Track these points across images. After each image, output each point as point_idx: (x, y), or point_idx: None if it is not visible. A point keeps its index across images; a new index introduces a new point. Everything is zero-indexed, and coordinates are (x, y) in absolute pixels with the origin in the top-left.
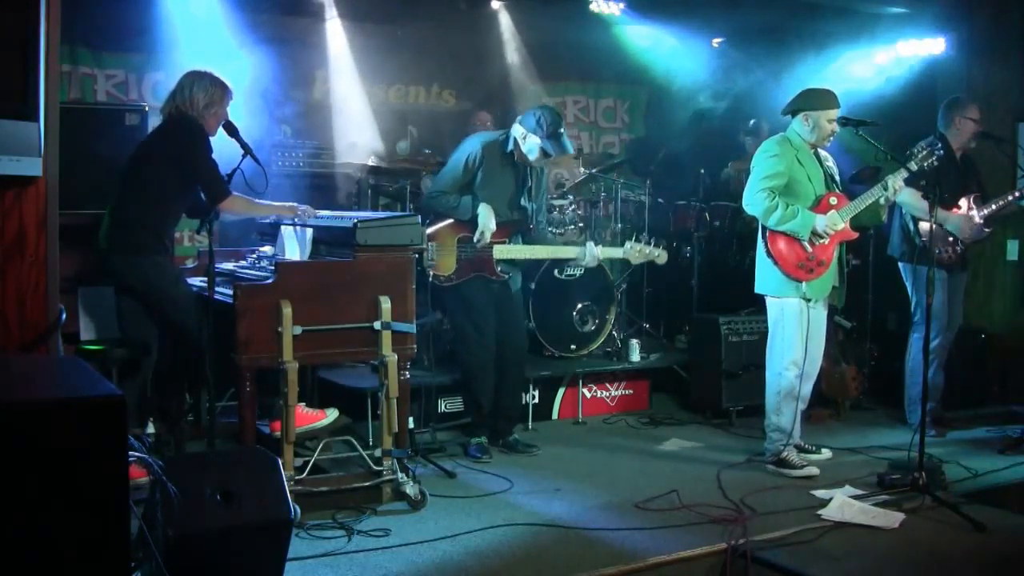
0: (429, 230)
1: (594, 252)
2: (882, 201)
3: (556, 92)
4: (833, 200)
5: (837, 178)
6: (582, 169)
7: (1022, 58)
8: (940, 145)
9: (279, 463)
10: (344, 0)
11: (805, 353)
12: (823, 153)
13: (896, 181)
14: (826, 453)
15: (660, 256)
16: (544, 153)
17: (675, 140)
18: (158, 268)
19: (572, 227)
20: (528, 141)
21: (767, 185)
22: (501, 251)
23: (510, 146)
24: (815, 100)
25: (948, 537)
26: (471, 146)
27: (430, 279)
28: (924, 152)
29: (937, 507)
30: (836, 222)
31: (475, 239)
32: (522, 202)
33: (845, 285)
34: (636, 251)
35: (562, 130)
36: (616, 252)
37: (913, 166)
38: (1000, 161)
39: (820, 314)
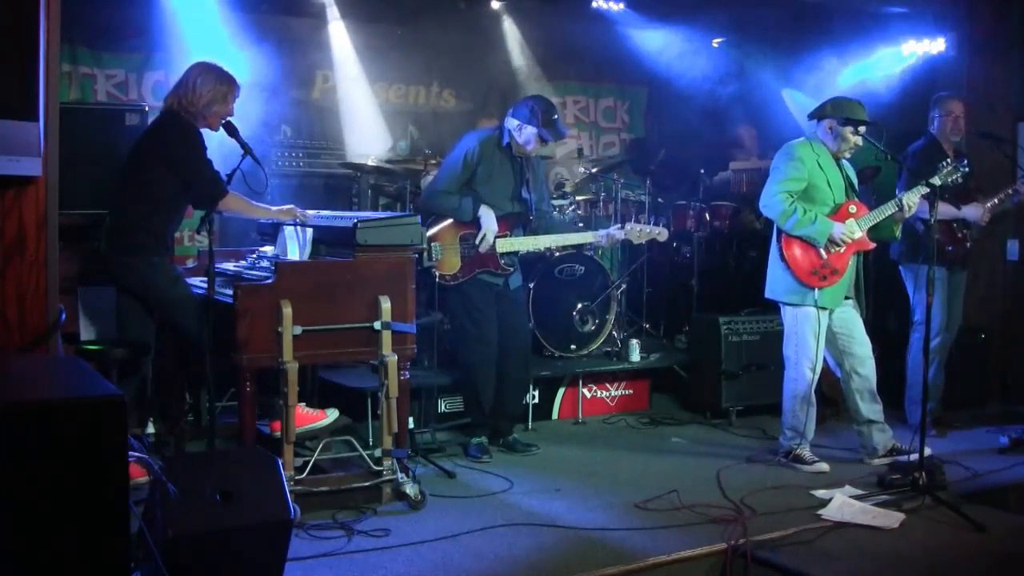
0: (430, 231)
1: (617, 236)
2: (895, 217)
3: (556, 92)
4: (852, 208)
5: (855, 184)
6: (582, 169)
7: (1022, 58)
8: (967, 162)
9: (279, 463)
10: (344, 0)
11: (817, 355)
12: (845, 157)
13: (911, 198)
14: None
15: (661, 233)
16: (541, 140)
17: (678, 141)
18: (157, 269)
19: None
20: (524, 132)
21: (786, 188)
22: (504, 244)
23: (506, 139)
24: (844, 110)
25: (948, 537)
26: (468, 143)
27: (436, 279)
28: (949, 168)
29: (937, 507)
30: (853, 230)
31: (477, 242)
32: (523, 194)
33: (863, 294)
34: (637, 231)
35: (556, 116)
36: (618, 234)
37: (937, 181)
38: (1000, 161)
39: (850, 313)
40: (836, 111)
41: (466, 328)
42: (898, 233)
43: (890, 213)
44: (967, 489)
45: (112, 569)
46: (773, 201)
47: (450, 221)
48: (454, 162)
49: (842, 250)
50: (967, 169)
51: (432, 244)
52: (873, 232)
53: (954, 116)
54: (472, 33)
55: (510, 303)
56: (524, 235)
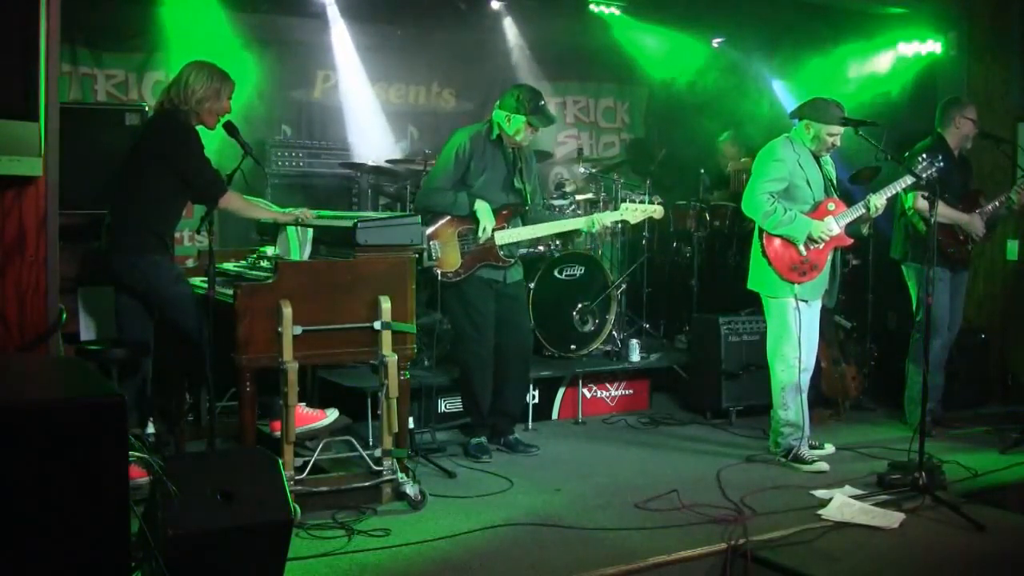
0: (429, 230)
1: (603, 220)
2: (863, 217)
3: (556, 92)
4: (831, 206)
5: (835, 181)
6: (582, 169)
7: (1022, 58)
8: (941, 157)
9: (279, 463)
10: (345, 0)
11: (800, 347)
12: (824, 156)
13: (878, 200)
14: (829, 448)
15: (656, 211)
16: (532, 128)
17: (678, 141)
18: (157, 268)
19: None
20: (512, 122)
21: (767, 188)
22: (503, 236)
23: (496, 132)
24: (820, 112)
25: (948, 537)
26: (458, 140)
27: (438, 277)
28: (924, 163)
29: (937, 507)
30: (832, 228)
31: (478, 234)
32: (516, 184)
33: (836, 287)
34: (632, 210)
35: (543, 103)
36: (614, 215)
37: (909, 178)
38: (1000, 161)
39: (813, 309)
40: (813, 112)
41: (464, 329)
42: (864, 231)
43: (860, 214)
44: (967, 489)
45: (112, 569)
46: (755, 201)
47: (448, 218)
48: (446, 159)
49: (821, 247)
50: (941, 164)
51: (431, 243)
52: (846, 228)
53: (973, 121)
54: (472, 33)
55: (510, 301)
56: (522, 226)
